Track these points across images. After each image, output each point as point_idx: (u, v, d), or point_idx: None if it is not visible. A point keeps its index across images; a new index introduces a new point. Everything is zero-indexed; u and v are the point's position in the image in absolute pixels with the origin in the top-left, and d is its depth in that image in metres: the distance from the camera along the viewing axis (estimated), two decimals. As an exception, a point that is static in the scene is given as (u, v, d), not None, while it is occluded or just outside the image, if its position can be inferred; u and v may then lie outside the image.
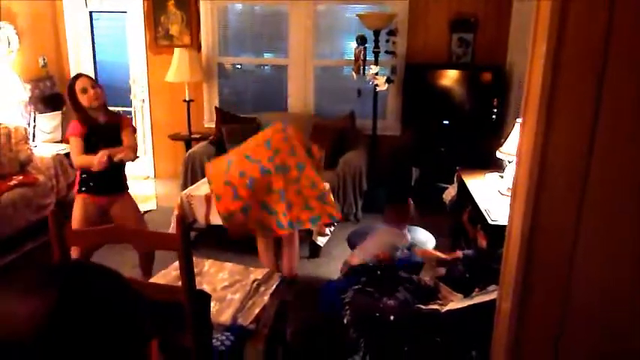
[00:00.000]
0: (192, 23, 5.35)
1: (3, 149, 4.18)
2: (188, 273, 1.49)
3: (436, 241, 3.50)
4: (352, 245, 3.29)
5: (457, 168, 4.00)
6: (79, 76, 2.97)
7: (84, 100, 2.86)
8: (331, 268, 3.68)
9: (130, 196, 3.20)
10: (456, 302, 1.79)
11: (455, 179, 4.09)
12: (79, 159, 2.88)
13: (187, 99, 5.27)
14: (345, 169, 4.51)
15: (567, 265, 1.27)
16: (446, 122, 4.83)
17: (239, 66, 5.85)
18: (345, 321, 1.77)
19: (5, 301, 0.50)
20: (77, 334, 0.49)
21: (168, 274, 2.39)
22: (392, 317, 1.69)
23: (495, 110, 4.65)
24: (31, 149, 4.47)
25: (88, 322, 0.50)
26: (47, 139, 5.28)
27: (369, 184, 4.72)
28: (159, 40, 5.45)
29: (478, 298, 1.68)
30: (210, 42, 5.44)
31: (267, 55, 5.83)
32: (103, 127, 2.93)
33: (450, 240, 3.96)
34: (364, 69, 4.87)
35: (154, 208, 4.92)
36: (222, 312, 2.17)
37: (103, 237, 1.54)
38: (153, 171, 5.88)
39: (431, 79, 4.93)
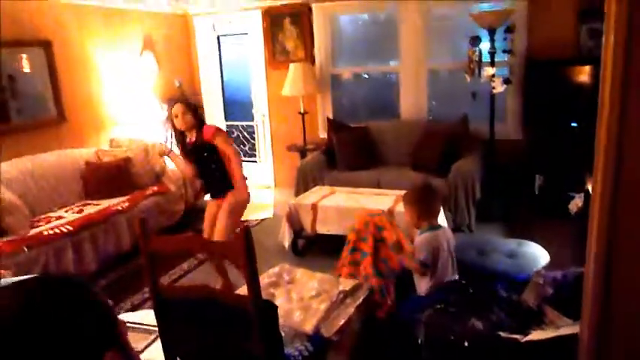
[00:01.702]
0: (306, 37, 5.56)
1: (142, 162, 4.73)
2: (252, 283, 1.54)
3: (556, 254, 3.16)
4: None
5: (587, 175, 3.58)
6: (175, 102, 3.35)
7: (177, 123, 3.26)
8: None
9: (227, 201, 3.33)
10: (544, 332, 1.58)
11: (585, 187, 3.67)
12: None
13: (302, 111, 5.47)
14: (457, 177, 4.29)
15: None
16: (574, 124, 4.34)
17: (366, 75, 5.92)
18: (419, 341, 1.67)
19: None
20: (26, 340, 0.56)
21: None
22: (466, 343, 1.55)
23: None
24: (165, 162, 5.00)
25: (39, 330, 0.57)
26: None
27: (484, 193, 4.44)
28: (276, 56, 5.75)
29: (568, 329, 1.46)
30: (323, 54, 5.59)
31: (379, 63, 5.81)
32: (197, 147, 3.28)
33: (573, 253, 3.54)
34: (479, 71, 4.60)
35: (270, 216, 5.17)
36: (306, 321, 2.20)
37: (180, 245, 1.66)
38: (273, 180, 6.20)
39: (556, 77, 4.47)
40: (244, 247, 1.50)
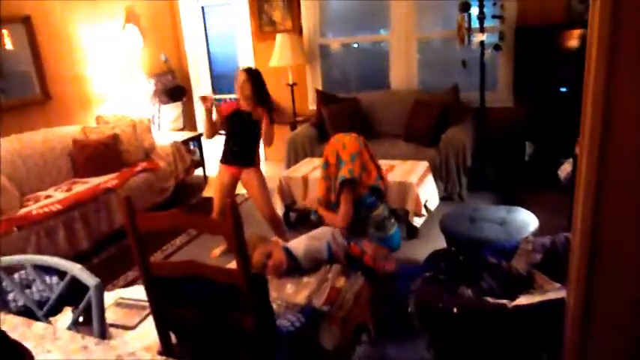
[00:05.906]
0: (293, 7, 5.44)
1: (130, 139, 4.67)
2: (242, 257, 1.53)
3: (546, 221, 3.19)
4: (445, 230, 3.13)
5: (577, 140, 3.58)
6: (243, 68, 3.40)
7: (235, 87, 3.37)
8: (429, 250, 3.54)
9: (257, 171, 3.59)
10: (532, 296, 1.61)
11: (574, 153, 3.68)
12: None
13: (291, 82, 5.40)
14: (448, 146, 4.28)
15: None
16: (563, 89, 4.32)
17: (355, 45, 5.78)
18: (409, 310, 1.69)
19: None
20: None
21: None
22: (455, 310, 1.57)
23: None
24: (153, 138, 4.95)
25: None
26: (171, 128, 5.80)
27: (475, 161, 4.44)
28: (263, 28, 5.63)
29: (555, 293, 1.48)
30: (311, 24, 5.49)
31: (368, 33, 5.71)
32: (244, 114, 3.36)
33: (562, 220, 3.58)
34: (469, 38, 4.54)
35: (262, 189, 5.14)
36: (298, 293, 2.22)
37: (168, 221, 1.65)
38: (263, 154, 6.16)
39: (546, 42, 4.42)
40: (232, 222, 1.49)
